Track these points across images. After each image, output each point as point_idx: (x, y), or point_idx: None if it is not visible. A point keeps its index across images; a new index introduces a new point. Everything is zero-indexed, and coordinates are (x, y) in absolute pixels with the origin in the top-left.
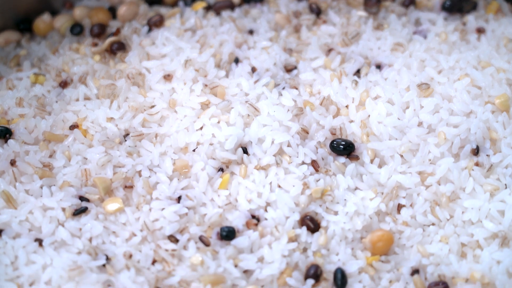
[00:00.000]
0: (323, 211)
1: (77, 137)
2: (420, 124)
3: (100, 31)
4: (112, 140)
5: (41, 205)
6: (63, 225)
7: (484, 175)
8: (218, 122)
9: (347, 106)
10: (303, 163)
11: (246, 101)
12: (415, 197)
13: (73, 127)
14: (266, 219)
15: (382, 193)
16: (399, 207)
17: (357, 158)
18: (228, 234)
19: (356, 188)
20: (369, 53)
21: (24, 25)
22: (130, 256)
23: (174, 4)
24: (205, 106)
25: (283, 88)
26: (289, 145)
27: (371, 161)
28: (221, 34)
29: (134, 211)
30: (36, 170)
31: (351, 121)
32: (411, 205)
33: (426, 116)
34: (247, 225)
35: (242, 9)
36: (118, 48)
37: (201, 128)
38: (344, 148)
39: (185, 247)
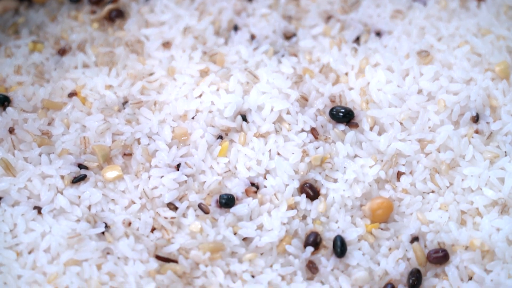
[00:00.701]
0: (323, 179)
1: (75, 104)
2: (419, 91)
3: None
4: (111, 107)
5: (40, 172)
6: (62, 193)
7: (484, 143)
8: (217, 90)
9: (346, 74)
10: (303, 130)
11: (245, 69)
12: (414, 165)
13: (71, 94)
14: (265, 186)
15: (382, 161)
16: (399, 174)
17: (356, 125)
18: (227, 202)
19: (356, 156)
20: (368, 20)
21: None
22: (129, 223)
23: None
24: (204, 73)
25: (283, 56)
26: (288, 113)
27: (371, 129)
28: (220, 1)
29: (133, 179)
30: (35, 138)
31: (351, 89)
32: (410, 173)
33: (425, 84)
34: (247, 193)
35: None
36: (117, 16)
37: (200, 96)
38: (343, 116)
39: (184, 215)
